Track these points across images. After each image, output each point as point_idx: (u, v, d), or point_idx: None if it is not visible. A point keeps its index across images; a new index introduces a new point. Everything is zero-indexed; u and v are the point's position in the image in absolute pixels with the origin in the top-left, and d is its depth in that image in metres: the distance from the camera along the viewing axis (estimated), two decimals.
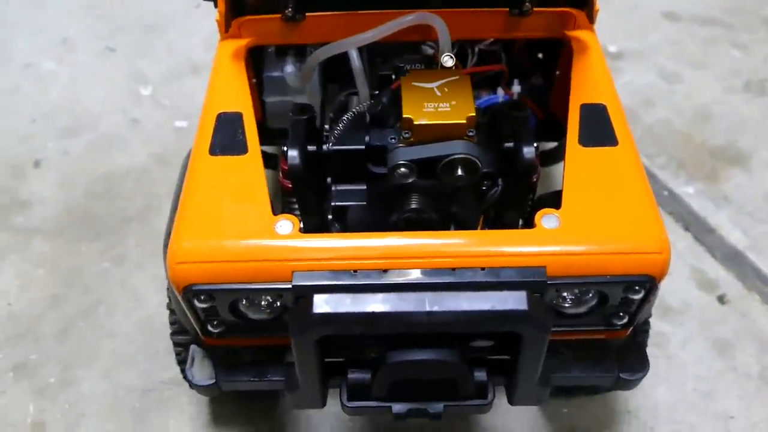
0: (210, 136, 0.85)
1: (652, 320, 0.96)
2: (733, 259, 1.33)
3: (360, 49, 0.98)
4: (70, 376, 1.16)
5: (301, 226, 0.75)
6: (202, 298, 0.74)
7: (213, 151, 0.83)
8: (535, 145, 0.91)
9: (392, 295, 0.69)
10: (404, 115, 0.80)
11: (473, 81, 0.88)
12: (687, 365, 1.17)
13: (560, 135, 0.92)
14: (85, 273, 1.30)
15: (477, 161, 0.80)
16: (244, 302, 0.77)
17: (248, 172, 0.81)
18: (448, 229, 0.88)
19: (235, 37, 0.98)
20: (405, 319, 0.68)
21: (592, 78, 0.91)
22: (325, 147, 0.85)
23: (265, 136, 0.92)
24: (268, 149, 1.01)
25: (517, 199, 0.94)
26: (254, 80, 1.07)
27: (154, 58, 1.77)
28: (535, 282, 0.71)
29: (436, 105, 0.81)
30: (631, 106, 1.62)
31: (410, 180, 0.82)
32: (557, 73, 1.07)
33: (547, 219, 0.75)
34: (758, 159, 1.52)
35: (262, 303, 0.77)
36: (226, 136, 0.85)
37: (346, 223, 0.87)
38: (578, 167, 0.80)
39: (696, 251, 1.35)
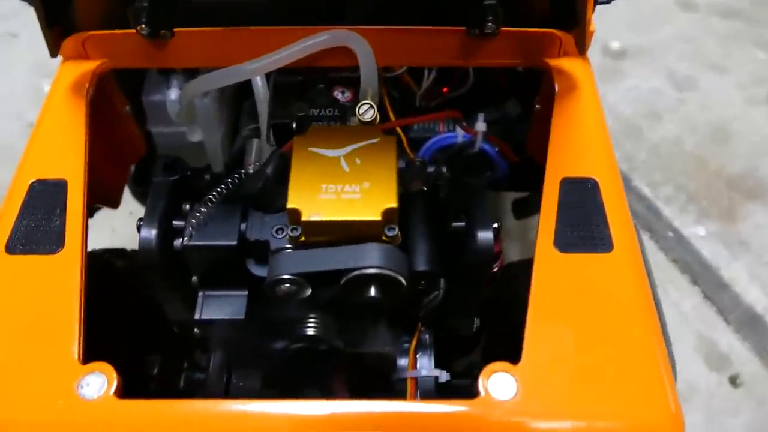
0: (13, 219, 0.58)
1: None
2: (751, 325, 1.08)
3: (268, 77, 0.71)
4: None
5: (116, 383, 0.49)
6: None
7: (11, 246, 0.56)
8: (495, 225, 0.64)
9: None
10: (289, 205, 0.53)
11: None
12: None
13: (538, 183, 0.66)
14: None
15: (398, 277, 0.53)
16: None
17: (56, 285, 0.54)
18: (362, 359, 0.62)
19: (81, 58, 0.69)
20: None
21: (581, 134, 0.63)
22: (176, 243, 0.57)
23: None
24: None
25: (469, 301, 0.68)
26: (127, 107, 0.79)
27: None
28: None
29: (340, 188, 0.54)
30: (634, 119, 1.34)
31: (302, 296, 0.55)
32: (537, 107, 0.79)
33: (498, 383, 0.49)
34: None
35: None
36: (36, 220, 0.57)
37: (216, 348, 0.60)
38: (550, 289, 0.53)
39: (705, 314, 1.09)
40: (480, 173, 0.68)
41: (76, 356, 0.50)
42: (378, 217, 0.52)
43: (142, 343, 0.70)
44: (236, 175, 0.60)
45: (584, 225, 0.57)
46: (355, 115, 0.62)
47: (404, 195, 0.67)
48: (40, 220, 0.57)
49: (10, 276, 0.55)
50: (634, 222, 0.66)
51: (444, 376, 0.67)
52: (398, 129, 0.80)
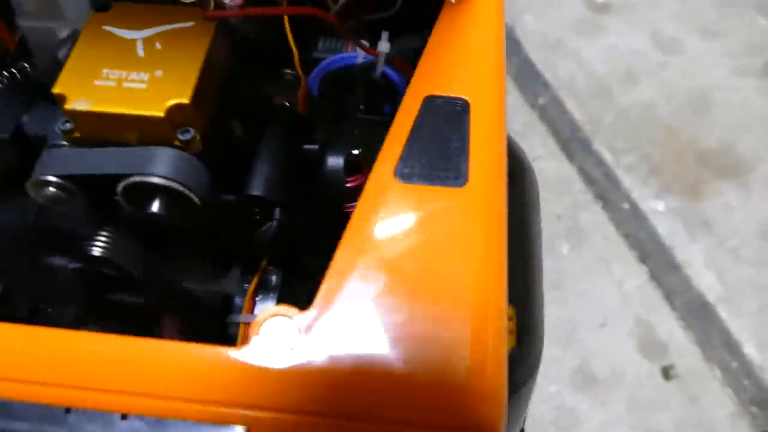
0: None
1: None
2: (697, 314, 0.96)
3: None
4: None
5: None
6: None
7: None
8: (355, 152, 0.53)
9: None
10: (54, 89, 0.42)
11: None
12: None
13: None
14: None
15: (188, 192, 0.42)
16: None
17: None
18: (183, 295, 0.52)
19: None
20: None
21: (462, 46, 0.52)
22: None
23: None
24: None
25: (322, 239, 0.57)
26: None
27: None
28: None
29: (125, 75, 0.43)
30: (607, 79, 1.22)
31: (75, 205, 0.45)
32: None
33: (272, 329, 0.38)
34: (762, 173, 1.12)
35: None
36: None
37: None
38: (371, 224, 0.42)
39: (648, 295, 0.98)
40: (375, 106, 0.57)
41: None
42: (160, 113, 0.41)
43: None
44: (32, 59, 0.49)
45: (438, 152, 0.45)
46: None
47: (259, 109, 0.56)
48: None
49: None
50: (525, 165, 0.55)
51: None
52: (290, 39, 0.69)
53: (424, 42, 0.77)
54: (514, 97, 1.18)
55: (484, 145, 0.46)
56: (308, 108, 0.64)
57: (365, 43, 0.70)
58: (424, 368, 0.36)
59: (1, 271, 0.51)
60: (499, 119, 0.49)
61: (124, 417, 0.36)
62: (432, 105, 0.48)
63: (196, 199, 0.43)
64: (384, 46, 0.71)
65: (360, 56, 0.70)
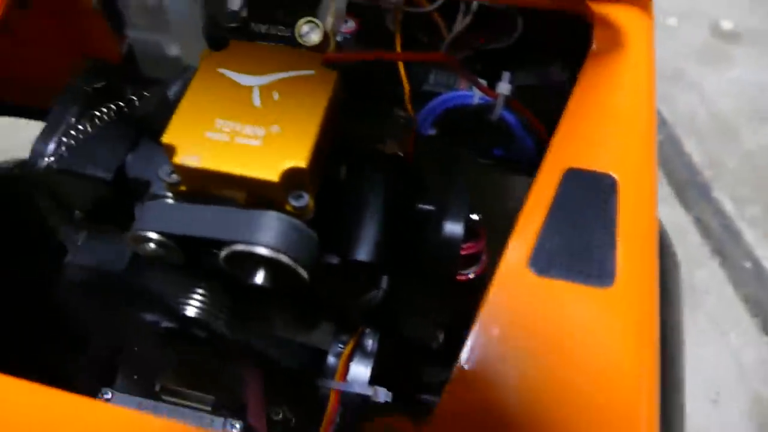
0: None
1: None
2: None
3: None
4: None
5: None
6: None
7: None
8: (475, 217, 0.48)
9: None
10: (164, 139, 0.38)
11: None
12: None
13: None
14: None
15: (295, 267, 0.38)
16: None
17: None
18: (264, 351, 0.48)
19: None
20: None
21: (609, 112, 0.45)
22: (45, 161, 0.45)
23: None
24: None
25: (427, 307, 0.52)
26: (94, 1, 0.67)
27: None
28: None
29: (239, 127, 0.39)
30: (732, 117, 1.10)
31: (174, 262, 0.41)
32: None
33: None
34: None
35: None
36: None
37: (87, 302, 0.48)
38: (503, 323, 0.37)
39: None
40: (486, 149, 0.52)
41: None
42: (274, 178, 0.37)
43: None
44: (143, 92, 0.46)
45: (580, 241, 0.39)
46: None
47: (368, 155, 0.51)
48: None
49: None
50: (673, 252, 0.48)
51: (382, 395, 0.52)
52: (403, 76, 0.64)
53: (541, 78, 0.71)
54: None
55: (633, 236, 0.39)
56: (416, 149, 0.59)
57: (483, 82, 0.64)
58: None
59: (82, 317, 0.49)
60: (650, 202, 0.42)
61: None
62: (574, 180, 0.41)
63: (305, 274, 0.38)
64: (504, 87, 0.64)
65: (476, 96, 0.65)
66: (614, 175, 0.41)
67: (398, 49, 0.63)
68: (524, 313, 0.37)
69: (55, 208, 0.50)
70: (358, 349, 0.54)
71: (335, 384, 0.52)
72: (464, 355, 0.36)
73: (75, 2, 0.66)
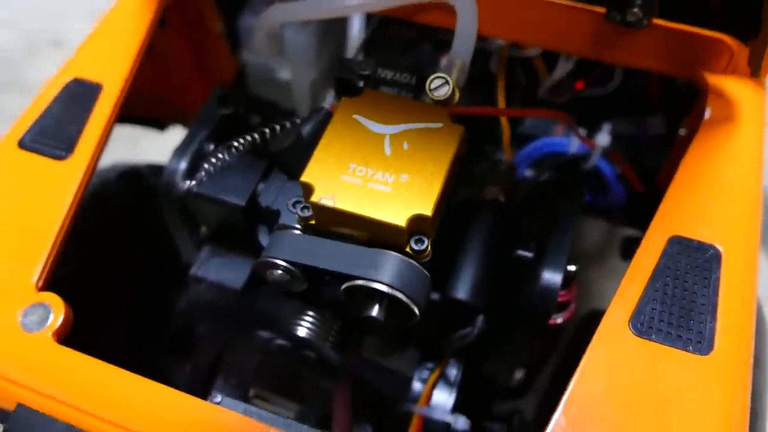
0: (38, 112, 0.53)
1: None
2: None
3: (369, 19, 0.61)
4: None
5: (59, 323, 0.42)
6: None
7: (25, 141, 0.51)
8: (571, 268, 0.50)
9: None
10: (302, 178, 0.42)
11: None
12: None
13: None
14: None
15: (410, 304, 0.41)
16: None
17: (47, 194, 0.48)
18: (369, 375, 0.51)
19: None
20: None
21: (718, 181, 0.47)
22: (184, 186, 0.50)
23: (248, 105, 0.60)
24: None
25: (512, 349, 0.55)
26: (220, 26, 0.73)
27: None
28: None
29: (371, 173, 0.42)
30: None
31: (296, 289, 0.45)
32: (682, 132, 0.62)
33: None
34: None
35: None
36: (60, 121, 0.52)
37: (197, 311, 0.53)
38: (602, 380, 0.39)
39: None
40: (581, 196, 0.54)
41: (35, 280, 0.44)
42: (402, 224, 0.40)
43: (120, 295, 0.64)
44: (276, 126, 0.50)
45: (682, 307, 0.41)
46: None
47: (472, 201, 0.54)
48: (62, 122, 0.52)
49: (10, 171, 0.50)
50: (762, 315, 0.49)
51: (462, 423, 0.55)
52: (503, 121, 0.67)
53: (638, 129, 0.72)
54: None
55: (734, 307, 0.41)
56: (516, 192, 0.61)
57: (583, 132, 0.67)
58: None
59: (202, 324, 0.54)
60: (752, 275, 0.43)
61: None
62: (678, 248, 0.43)
63: (417, 310, 0.42)
64: (604, 139, 0.67)
65: (574, 144, 0.67)
66: (719, 247, 0.43)
67: (501, 92, 0.66)
68: (623, 371, 0.39)
69: (181, 223, 0.55)
70: (443, 378, 0.57)
71: (419, 409, 0.55)
72: (563, 404, 0.38)
73: (203, 25, 0.72)
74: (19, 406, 0.41)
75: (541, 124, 0.70)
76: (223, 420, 0.40)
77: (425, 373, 0.56)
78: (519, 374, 0.59)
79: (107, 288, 0.60)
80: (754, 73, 0.48)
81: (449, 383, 0.56)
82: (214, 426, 0.40)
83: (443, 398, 0.55)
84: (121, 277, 0.63)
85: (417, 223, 0.41)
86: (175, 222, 0.55)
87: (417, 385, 0.56)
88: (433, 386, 0.55)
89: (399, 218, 0.40)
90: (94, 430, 0.39)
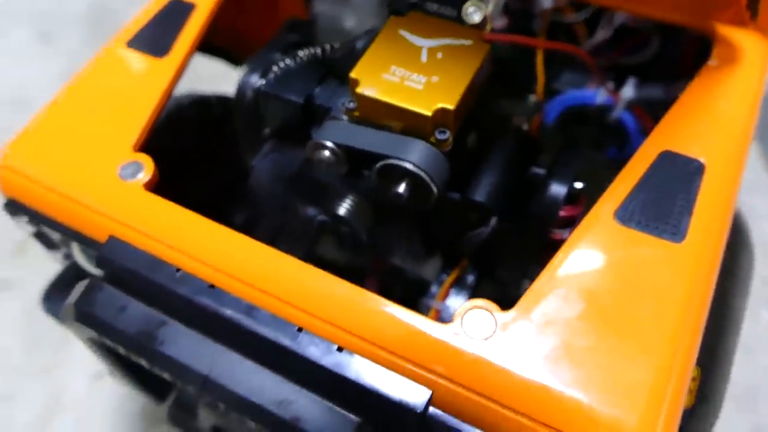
0: (144, 22, 0.64)
1: None
2: None
3: None
4: None
5: (149, 177, 0.53)
6: (26, 218, 0.57)
7: (133, 42, 0.63)
8: (578, 185, 0.57)
9: (177, 328, 0.45)
10: (351, 74, 0.51)
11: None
12: None
13: None
14: None
15: (430, 183, 0.50)
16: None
17: (147, 81, 0.59)
18: (387, 262, 0.60)
19: None
20: (174, 367, 0.44)
21: (710, 110, 0.53)
22: (256, 84, 0.59)
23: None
24: None
25: (518, 256, 0.62)
26: None
27: None
28: (406, 408, 0.42)
29: (408, 74, 0.51)
30: None
31: (338, 170, 0.54)
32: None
33: (474, 318, 0.44)
34: None
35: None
36: (161, 29, 0.63)
37: (257, 192, 0.62)
38: (583, 254, 0.46)
39: None
40: (602, 144, 0.61)
41: (132, 143, 0.55)
42: (428, 113, 0.49)
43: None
44: (333, 43, 0.60)
45: (662, 205, 0.48)
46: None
47: (498, 124, 0.62)
48: (161, 30, 0.63)
49: (118, 65, 0.61)
50: (745, 235, 0.55)
51: None
52: (540, 68, 0.73)
53: (668, 95, 0.77)
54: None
55: (709, 211, 0.48)
56: (540, 132, 0.69)
57: (611, 84, 0.73)
58: (598, 402, 0.40)
59: (259, 204, 0.63)
60: (731, 190, 0.49)
61: (339, 349, 0.44)
62: (667, 160, 0.50)
63: (435, 190, 0.50)
64: (628, 91, 0.73)
65: (600, 96, 0.73)
66: (703, 160, 0.50)
67: (540, 57, 0.73)
68: (601, 250, 0.46)
69: (246, 127, 0.65)
70: (458, 281, 0.65)
71: (436, 303, 0.63)
72: (544, 272, 0.46)
73: None
74: (111, 237, 0.51)
75: (576, 80, 0.77)
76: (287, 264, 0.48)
77: (443, 276, 0.64)
78: (527, 285, 0.66)
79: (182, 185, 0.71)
80: (752, 17, 0.54)
81: (464, 286, 0.63)
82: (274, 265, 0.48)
83: (459, 298, 0.63)
84: (192, 182, 0.74)
85: (441, 115, 0.49)
86: (243, 125, 0.65)
87: (434, 287, 0.64)
88: (450, 286, 0.63)
89: (426, 108, 0.49)
90: (172, 260, 0.49)
